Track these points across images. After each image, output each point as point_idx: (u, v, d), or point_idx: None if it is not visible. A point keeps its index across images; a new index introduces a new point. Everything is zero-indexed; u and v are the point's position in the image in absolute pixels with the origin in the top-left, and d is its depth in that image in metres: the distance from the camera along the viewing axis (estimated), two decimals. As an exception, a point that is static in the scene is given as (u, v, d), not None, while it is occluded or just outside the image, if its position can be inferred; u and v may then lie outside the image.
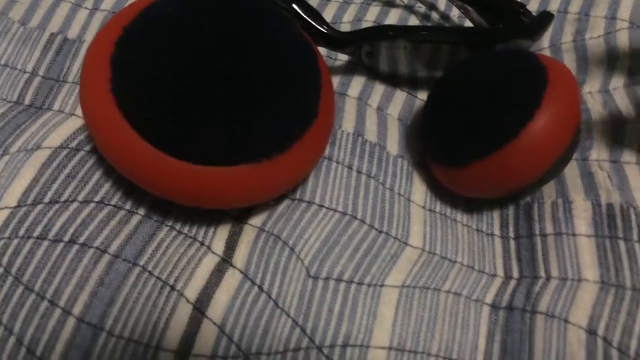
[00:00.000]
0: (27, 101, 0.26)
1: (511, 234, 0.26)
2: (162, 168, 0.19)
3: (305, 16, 0.25)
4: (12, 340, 0.20)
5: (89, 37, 0.28)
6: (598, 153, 0.26)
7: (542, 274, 0.24)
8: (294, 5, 0.25)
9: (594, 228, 0.24)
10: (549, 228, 0.25)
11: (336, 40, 0.26)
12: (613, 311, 0.22)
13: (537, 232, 0.25)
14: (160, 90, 0.19)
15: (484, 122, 0.23)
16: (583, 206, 0.25)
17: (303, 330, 0.21)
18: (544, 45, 0.31)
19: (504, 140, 0.22)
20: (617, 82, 0.27)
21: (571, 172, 0.26)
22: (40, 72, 0.27)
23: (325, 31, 0.25)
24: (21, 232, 0.21)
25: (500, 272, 0.25)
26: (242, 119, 0.19)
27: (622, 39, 0.29)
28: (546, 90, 0.22)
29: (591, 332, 0.21)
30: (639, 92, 0.27)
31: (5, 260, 0.21)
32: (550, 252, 0.24)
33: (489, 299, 0.23)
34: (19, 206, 0.22)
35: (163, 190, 0.20)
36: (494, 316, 0.23)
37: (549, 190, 0.26)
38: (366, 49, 0.27)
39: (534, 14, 0.29)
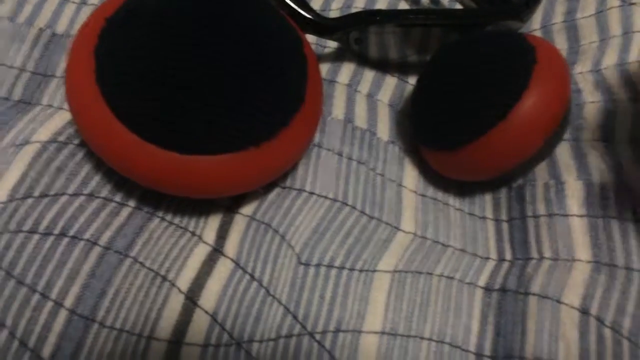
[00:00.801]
0: (16, 96, 0.26)
1: (504, 217, 0.26)
2: (149, 158, 0.19)
3: (291, 3, 0.25)
4: (4, 333, 0.20)
5: (76, 32, 0.28)
6: (590, 133, 0.26)
7: (535, 255, 0.24)
8: (280, -8, 0.25)
9: (586, 208, 0.24)
10: (542, 209, 0.25)
11: (323, 27, 0.26)
12: (606, 290, 0.22)
13: (530, 213, 0.25)
14: (144, 80, 0.19)
15: (472, 104, 0.23)
16: (575, 187, 0.24)
17: (295, 317, 0.21)
18: (535, 26, 0.31)
19: (493, 122, 0.22)
20: (609, 61, 0.27)
21: (563, 152, 0.26)
22: (29, 68, 0.27)
23: (312, 18, 0.25)
24: (12, 227, 0.21)
25: (493, 254, 0.25)
26: (227, 107, 0.19)
27: (614, 18, 0.29)
28: (534, 71, 0.22)
29: (584, 311, 0.21)
30: (631, 71, 0.26)
31: None
32: (542, 234, 0.24)
33: (482, 281, 0.23)
34: (9, 201, 0.22)
35: (151, 181, 0.20)
36: (487, 299, 0.23)
37: (540, 172, 0.26)
38: (354, 35, 0.27)
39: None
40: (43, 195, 0.22)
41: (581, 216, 0.24)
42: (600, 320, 0.21)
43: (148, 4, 0.20)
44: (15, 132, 0.23)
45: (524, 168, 0.24)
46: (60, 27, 0.28)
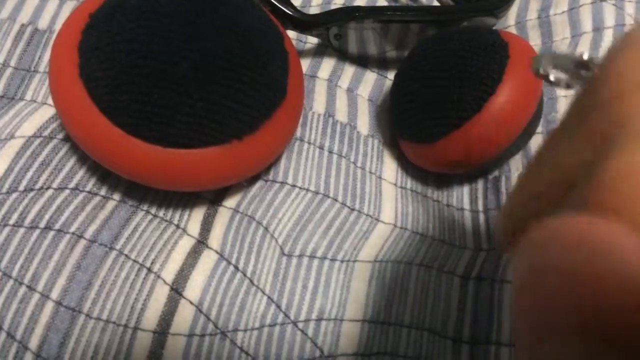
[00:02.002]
0: (-1, 92, 0.26)
1: (480, 208, 0.26)
2: (132, 152, 0.20)
3: (272, 0, 0.25)
4: None
5: (59, 27, 0.28)
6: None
7: (510, 244, 0.24)
8: (261, -11, 0.25)
9: (559, 198, 0.25)
10: (516, 200, 0.25)
11: (303, 22, 0.26)
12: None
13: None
14: (126, 74, 0.19)
15: (448, 98, 0.23)
16: (548, 177, 0.25)
17: (278, 307, 0.22)
18: (510, 22, 0.31)
19: (468, 115, 0.23)
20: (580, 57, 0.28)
21: (537, 144, 0.26)
22: (12, 63, 0.27)
23: (292, 14, 0.26)
24: (-3, 221, 0.21)
25: (470, 244, 0.25)
26: (209, 100, 0.20)
27: (586, 14, 0.30)
28: (507, 65, 0.23)
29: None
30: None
31: None
32: (517, 223, 0.25)
33: (459, 270, 0.24)
34: (-7, 195, 0.22)
35: (134, 174, 0.21)
36: (465, 287, 0.24)
37: (515, 163, 0.26)
38: (334, 30, 0.27)
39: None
40: (28, 189, 0.22)
41: (554, 206, 0.25)
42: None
43: (131, 0, 0.20)
44: (0, 127, 0.24)
45: (499, 160, 0.25)
46: (43, 22, 0.28)
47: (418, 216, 0.26)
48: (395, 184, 0.27)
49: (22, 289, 0.20)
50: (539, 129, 0.27)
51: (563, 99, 0.27)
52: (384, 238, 0.24)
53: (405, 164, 0.27)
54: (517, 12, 0.32)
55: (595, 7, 0.30)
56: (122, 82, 0.19)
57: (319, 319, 0.22)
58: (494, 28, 0.27)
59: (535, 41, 0.30)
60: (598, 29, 0.29)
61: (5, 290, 0.20)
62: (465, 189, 0.27)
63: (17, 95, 0.26)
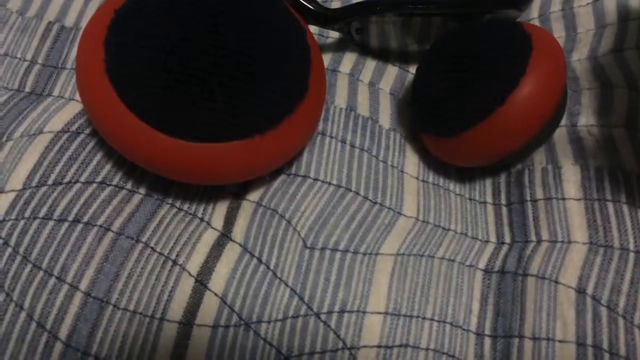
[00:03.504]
0: (27, 88, 0.27)
1: (503, 201, 0.26)
2: (158, 146, 0.20)
3: (294, -6, 0.25)
4: (22, 315, 0.20)
5: (84, 24, 0.29)
6: (586, 118, 0.26)
7: (533, 237, 0.24)
8: (283, -16, 0.25)
9: (582, 191, 0.24)
10: (540, 193, 0.25)
11: (325, 17, 0.26)
12: (602, 271, 0.22)
13: (528, 197, 0.25)
14: (151, 69, 0.19)
15: (470, 91, 0.23)
16: (572, 171, 0.25)
17: (301, 299, 0.22)
18: (533, 15, 0.31)
19: (491, 108, 0.22)
20: (605, 48, 0.28)
21: (560, 138, 0.26)
22: (40, 60, 0.27)
23: (313, 8, 0.26)
24: (27, 213, 0.22)
25: (492, 238, 0.25)
26: (232, 95, 0.20)
27: (610, 6, 0.29)
28: (531, 57, 0.22)
29: (580, 291, 0.22)
30: (627, 57, 0.27)
31: (13, 240, 0.21)
32: (540, 217, 0.25)
33: (482, 264, 0.24)
34: (24, 189, 0.22)
35: (160, 168, 0.21)
36: (487, 280, 0.24)
37: (538, 157, 0.26)
38: (355, 25, 0.27)
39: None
40: (57, 183, 0.23)
41: (578, 199, 0.24)
42: (596, 299, 0.22)
43: (156, -4, 0.21)
44: (29, 123, 0.24)
45: (523, 153, 0.25)
46: (69, 20, 0.29)
47: (440, 209, 0.26)
48: (417, 178, 0.27)
49: (52, 280, 0.21)
50: (563, 121, 0.27)
51: (587, 92, 0.27)
52: (406, 231, 0.25)
53: (427, 158, 0.27)
54: (541, 4, 0.31)
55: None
56: (147, 77, 0.20)
57: (341, 311, 0.22)
58: (517, 20, 0.27)
59: (559, 33, 0.30)
60: (623, 21, 0.28)
61: (35, 282, 0.21)
62: (488, 183, 0.27)
63: (45, 91, 0.26)
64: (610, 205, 0.24)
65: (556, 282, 0.22)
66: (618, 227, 0.23)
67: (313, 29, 0.29)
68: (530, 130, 0.23)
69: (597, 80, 0.27)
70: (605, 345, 0.21)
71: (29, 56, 0.28)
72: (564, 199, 0.25)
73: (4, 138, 0.24)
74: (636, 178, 0.24)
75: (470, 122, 0.23)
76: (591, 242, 0.23)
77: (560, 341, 0.21)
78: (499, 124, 0.22)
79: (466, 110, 0.23)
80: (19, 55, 0.27)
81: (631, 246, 0.23)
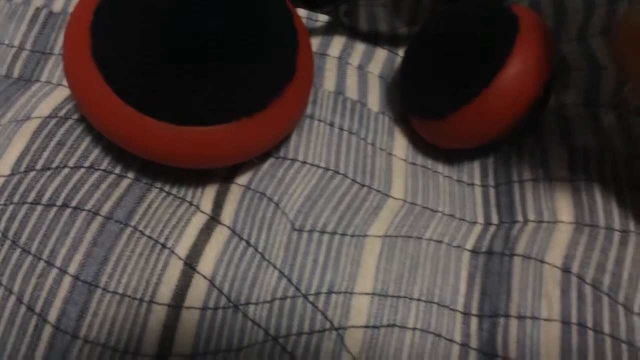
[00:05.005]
0: (15, 74, 0.27)
1: (491, 182, 0.26)
2: (145, 130, 0.20)
3: (280, -22, 0.25)
4: (12, 299, 0.21)
5: (72, 9, 0.29)
6: (575, 99, 0.26)
7: (520, 218, 0.25)
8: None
9: (569, 172, 0.25)
10: (526, 174, 0.25)
11: (313, 0, 0.26)
12: (587, 250, 0.23)
13: (516, 179, 0.26)
14: (137, 53, 0.20)
15: (458, 72, 0.23)
16: (559, 151, 0.25)
17: (289, 280, 0.22)
18: (522, -3, 0.31)
19: (478, 89, 0.23)
20: (594, 30, 0.28)
21: (547, 119, 0.26)
22: (28, 46, 0.27)
23: (301, -8, 0.26)
24: (16, 198, 0.22)
25: (480, 219, 0.26)
26: (220, 78, 0.20)
27: (599, -13, 0.29)
28: (517, 39, 0.22)
29: (566, 270, 0.22)
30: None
31: (2, 225, 0.22)
32: (527, 197, 0.25)
33: (469, 245, 0.24)
34: (12, 174, 0.22)
35: (148, 152, 0.21)
36: (474, 261, 0.24)
37: (526, 138, 0.26)
38: (344, 7, 0.27)
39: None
40: (45, 168, 0.23)
41: (564, 180, 0.25)
42: (581, 278, 0.22)
43: (140, -20, 0.21)
44: (17, 109, 0.24)
45: (510, 135, 0.25)
46: (57, 6, 0.29)
47: (428, 192, 0.26)
48: (406, 160, 0.27)
49: (41, 264, 0.21)
50: (551, 102, 0.27)
51: (575, 73, 0.27)
52: (394, 213, 0.25)
53: (416, 140, 0.27)
54: (530, -14, 0.31)
55: (610, -20, 0.29)
56: (133, 61, 0.20)
57: (329, 292, 0.22)
58: (505, 2, 0.27)
59: (548, 14, 0.30)
60: (612, 3, 0.28)
61: (25, 266, 0.21)
62: (476, 164, 0.27)
63: (33, 77, 0.26)
64: (596, 185, 0.24)
65: (542, 261, 0.22)
66: (604, 207, 0.24)
67: (302, 12, 0.29)
68: (517, 112, 0.23)
69: (586, 62, 0.27)
70: (589, 324, 0.21)
71: (16, 42, 0.27)
72: (550, 179, 0.25)
73: (-8, 124, 0.24)
74: (622, 158, 0.24)
75: (457, 104, 0.23)
76: (577, 221, 0.23)
77: (545, 320, 0.22)
78: (485, 106, 0.23)
79: (454, 93, 0.23)
80: (6, 42, 0.27)
81: (616, 226, 0.23)
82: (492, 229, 0.25)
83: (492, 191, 0.26)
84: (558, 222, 0.24)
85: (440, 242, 0.24)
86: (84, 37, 0.20)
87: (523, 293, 0.22)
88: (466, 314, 0.23)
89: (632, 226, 0.23)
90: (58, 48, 0.27)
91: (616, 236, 0.23)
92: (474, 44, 0.23)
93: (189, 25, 0.20)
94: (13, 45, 0.27)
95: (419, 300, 0.23)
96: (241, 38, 0.20)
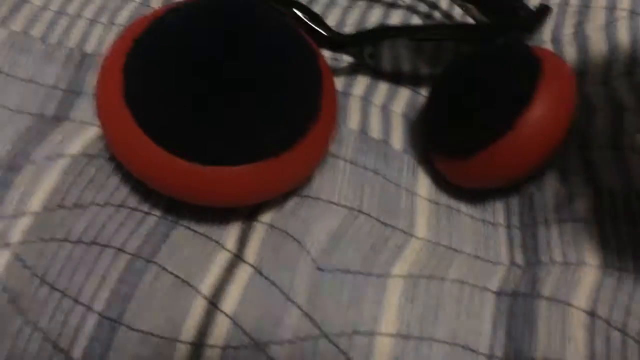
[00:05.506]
0: (49, 113, 0.27)
1: (515, 223, 0.26)
2: (174, 170, 0.21)
3: (306, 20, 0.26)
4: (39, 336, 0.21)
5: (104, 50, 0.30)
6: (598, 141, 0.26)
7: (546, 260, 0.24)
8: (295, 10, 0.26)
9: (595, 213, 0.24)
10: (552, 215, 0.25)
11: (338, 42, 0.27)
12: (614, 293, 0.22)
13: (540, 219, 0.25)
14: (168, 97, 0.20)
15: (481, 114, 0.23)
16: (585, 192, 0.25)
17: (312, 320, 0.22)
18: (545, 38, 0.31)
19: (500, 132, 0.23)
20: (618, 71, 0.28)
21: (572, 160, 0.26)
22: (61, 86, 0.28)
23: (326, 34, 0.26)
24: (46, 236, 0.22)
25: (505, 260, 0.25)
26: (247, 121, 0.20)
27: (622, 29, 0.29)
28: (541, 81, 0.23)
29: (592, 314, 0.22)
30: (639, 80, 0.27)
31: (31, 262, 0.22)
32: (553, 239, 0.25)
33: (493, 286, 0.24)
34: (43, 211, 0.23)
35: (175, 192, 0.22)
36: (499, 303, 0.23)
37: (551, 179, 0.26)
38: (368, 50, 0.28)
39: (534, 8, 0.30)
40: (75, 205, 0.23)
41: (591, 222, 0.24)
42: (607, 322, 0.22)
43: (173, 25, 0.21)
44: (50, 147, 0.25)
45: (534, 176, 0.25)
46: (90, 46, 0.30)
47: (452, 231, 0.26)
48: (429, 200, 0.27)
49: (68, 302, 0.21)
50: (575, 143, 0.27)
51: (599, 114, 0.27)
52: (417, 253, 0.25)
53: (439, 180, 0.28)
54: (553, 27, 0.31)
55: (633, 22, 0.29)
56: (163, 104, 0.20)
57: (352, 333, 0.22)
58: (528, 44, 0.27)
59: (571, 56, 0.30)
60: (635, 42, 0.28)
61: (52, 303, 0.21)
62: (500, 205, 0.27)
63: (66, 116, 0.27)
64: (623, 228, 0.24)
65: (568, 304, 0.22)
66: (632, 250, 0.23)
67: (326, 53, 0.30)
68: (541, 154, 0.23)
69: (609, 103, 0.27)
70: None
71: (51, 82, 0.28)
72: (576, 220, 0.24)
73: (26, 162, 0.25)
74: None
75: (480, 145, 0.23)
76: (604, 264, 0.23)
77: None
78: (508, 148, 0.23)
79: (476, 134, 0.23)
80: (40, 81, 0.28)
81: (644, 269, 0.23)
82: (516, 270, 0.25)
83: (516, 231, 0.26)
84: (585, 264, 0.23)
85: (465, 282, 0.24)
86: (116, 78, 0.21)
87: (549, 336, 0.22)
88: (491, 357, 0.22)
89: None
90: (90, 88, 0.28)
91: (644, 280, 0.22)
92: (497, 86, 0.23)
93: (216, 69, 0.20)
94: (48, 85, 0.28)
95: (443, 342, 0.22)
96: (267, 81, 0.21)
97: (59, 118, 0.27)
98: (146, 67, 0.21)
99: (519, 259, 0.25)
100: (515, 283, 0.24)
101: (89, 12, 0.32)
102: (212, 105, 0.20)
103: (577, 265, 0.23)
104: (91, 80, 0.29)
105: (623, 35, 0.29)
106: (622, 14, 0.30)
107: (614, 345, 0.21)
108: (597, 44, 0.30)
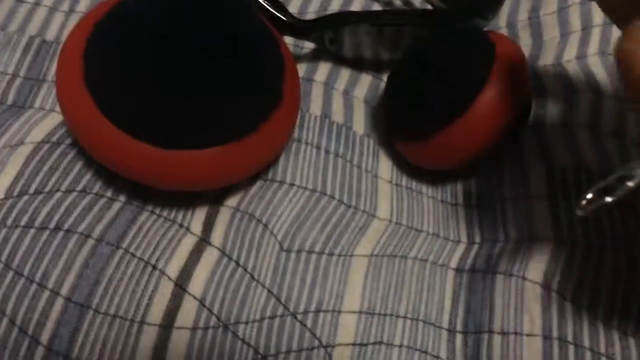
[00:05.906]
0: (9, 101, 0.27)
1: (473, 202, 0.27)
2: (136, 155, 0.21)
3: (268, 6, 0.26)
4: (5, 321, 0.21)
5: (65, 38, 0.29)
6: (550, 120, 0.27)
7: (502, 237, 0.25)
8: (257, -2, 0.26)
9: (548, 190, 0.25)
10: (507, 193, 0.26)
11: (299, 28, 0.27)
12: (566, 267, 0.23)
13: (497, 198, 0.26)
14: (129, 81, 0.20)
15: (438, 97, 0.24)
16: (538, 170, 0.26)
17: (278, 299, 0.23)
18: (501, 24, 0.32)
19: (456, 114, 0.23)
20: (569, 55, 0.29)
21: (527, 139, 0.27)
22: (21, 74, 0.28)
23: (288, 20, 0.27)
24: (9, 222, 0.22)
25: (463, 238, 0.26)
26: (209, 104, 0.21)
27: (574, 14, 0.30)
28: (494, 65, 0.23)
29: (546, 287, 0.23)
30: (589, 63, 0.28)
31: None
32: (508, 216, 0.26)
33: (453, 263, 0.25)
34: (5, 198, 0.23)
35: (139, 176, 0.22)
36: (459, 279, 0.24)
37: (506, 159, 0.27)
38: (329, 35, 0.28)
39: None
40: (38, 192, 0.23)
41: (544, 197, 0.25)
42: (561, 295, 0.23)
43: (133, 10, 0.21)
44: (10, 134, 0.25)
45: (490, 156, 0.26)
46: (50, 34, 0.30)
47: (413, 212, 0.27)
48: (391, 182, 0.28)
49: (33, 287, 0.21)
50: (529, 123, 0.28)
51: (552, 96, 0.28)
52: (380, 233, 0.25)
53: (400, 162, 0.28)
54: (508, 13, 0.32)
55: (584, 7, 0.30)
56: (125, 88, 0.20)
57: (317, 311, 0.23)
58: (484, 29, 0.28)
59: (525, 41, 0.31)
60: (586, 28, 0.30)
61: (17, 288, 0.21)
62: (459, 185, 0.28)
63: (27, 103, 0.27)
64: (573, 202, 0.25)
65: (523, 278, 0.23)
66: (582, 224, 0.24)
67: (288, 39, 0.30)
68: (495, 134, 0.24)
69: (562, 85, 0.28)
70: (569, 338, 0.22)
71: (10, 70, 0.28)
72: (530, 197, 0.25)
73: (-14, 149, 0.24)
74: (598, 176, 0.25)
75: (438, 127, 0.24)
76: (556, 239, 0.24)
77: (527, 335, 0.22)
78: (464, 129, 0.23)
79: (433, 116, 0.24)
80: (1, 69, 0.28)
81: (594, 242, 0.24)
82: (475, 247, 0.26)
83: (475, 210, 0.27)
84: (538, 239, 0.24)
85: (425, 260, 0.25)
86: (76, 64, 0.21)
87: (505, 310, 0.23)
88: (451, 331, 0.23)
89: (609, 242, 0.24)
90: (51, 75, 0.28)
91: (594, 253, 0.24)
92: (453, 70, 0.24)
93: (177, 53, 0.20)
94: (7, 73, 0.28)
95: (405, 317, 0.23)
96: (229, 65, 0.21)
97: (20, 106, 0.27)
98: (107, 52, 0.21)
99: (477, 237, 0.26)
100: (473, 260, 0.25)
101: (48, 0, 0.31)
102: (174, 90, 0.20)
103: (531, 241, 0.24)
104: (52, 68, 0.28)
105: (575, 21, 0.30)
106: (574, 0, 0.31)
107: (568, 316, 0.22)
108: (550, 29, 0.31)
